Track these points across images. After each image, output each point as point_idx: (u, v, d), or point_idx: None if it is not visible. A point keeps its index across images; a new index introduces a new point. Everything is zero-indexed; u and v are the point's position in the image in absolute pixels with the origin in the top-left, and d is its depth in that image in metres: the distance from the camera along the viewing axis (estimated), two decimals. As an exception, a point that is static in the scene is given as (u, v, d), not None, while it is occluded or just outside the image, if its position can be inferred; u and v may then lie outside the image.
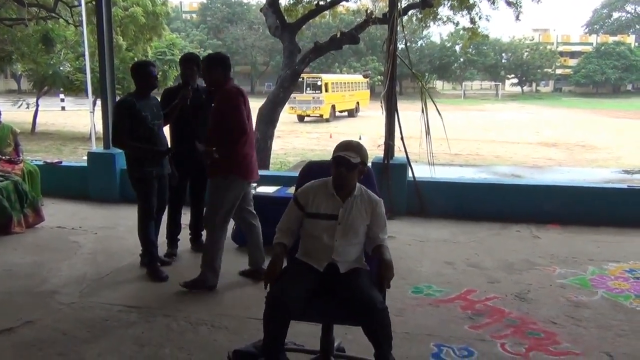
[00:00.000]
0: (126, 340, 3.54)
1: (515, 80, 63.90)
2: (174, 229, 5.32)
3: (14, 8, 16.18)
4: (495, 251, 5.46)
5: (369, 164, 3.20)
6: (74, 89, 21.71)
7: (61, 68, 21.14)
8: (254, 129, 4.51)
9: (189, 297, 4.27)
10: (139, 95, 4.63)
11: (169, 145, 4.91)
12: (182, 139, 5.06)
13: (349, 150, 2.95)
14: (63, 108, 31.30)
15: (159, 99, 4.99)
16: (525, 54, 60.73)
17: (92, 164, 7.47)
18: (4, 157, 6.56)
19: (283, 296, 2.78)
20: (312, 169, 3.30)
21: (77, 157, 13.68)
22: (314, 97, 29.10)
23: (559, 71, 63.90)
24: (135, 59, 21.59)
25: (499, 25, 72.55)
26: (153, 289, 4.47)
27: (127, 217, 4.97)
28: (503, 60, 61.88)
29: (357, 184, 3.04)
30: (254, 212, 4.69)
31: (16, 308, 4.03)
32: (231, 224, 5.57)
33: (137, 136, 4.54)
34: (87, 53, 15.91)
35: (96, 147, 13.71)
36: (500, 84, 62.13)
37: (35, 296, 4.28)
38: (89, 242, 5.65)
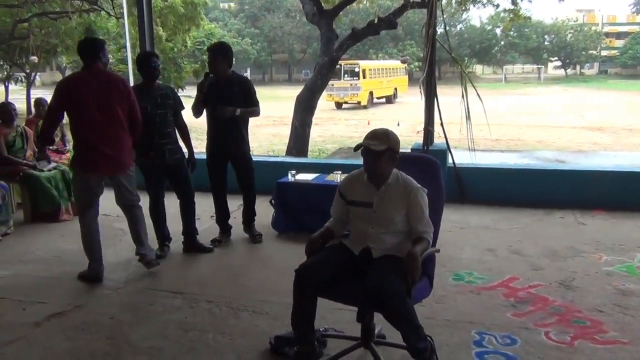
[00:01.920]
0: (171, 325, 3.62)
1: (559, 63, 62.03)
2: (219, 214, 5.37)
3: (58, 2, 16.61)
4: (538, 238, 5.34)
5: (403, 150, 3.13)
6: (116, 80, 22.21)
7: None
8: (98, 118, 4.16)
9: (230, 284, 4.34)
10: (142, 85, 4.83)
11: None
12: (215, 127, 5.15)
13: (373, 139, 2.92)
14: (106, 99, 31.99)
15: None
16: (569, 35, 58.84)
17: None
18: (51, 147, 6.78)
19: (308, 272, 2.85)
20: None
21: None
22: (351, 84, 28.98)
23: (604, 53, 61.72)
24: (175, 50, 21.95)
25: (541, 7, 70.42)
26: (196, 275, 4.56)
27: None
28: (546, 43, 60.02)
29: (395, 171, 3.00)
30: (134, 204, 4.54)
31: (65, 293, 4.18)
32: (271, 212, 5.66)
33: None
34: (128, 44, 16.23)
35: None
36: (543, 67, 60.44)
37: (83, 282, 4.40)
38: (133, 230, 5.79)
